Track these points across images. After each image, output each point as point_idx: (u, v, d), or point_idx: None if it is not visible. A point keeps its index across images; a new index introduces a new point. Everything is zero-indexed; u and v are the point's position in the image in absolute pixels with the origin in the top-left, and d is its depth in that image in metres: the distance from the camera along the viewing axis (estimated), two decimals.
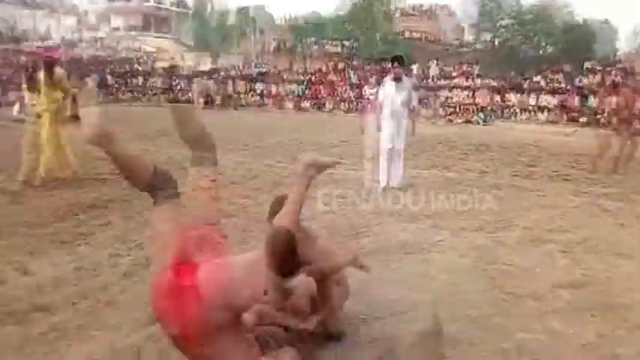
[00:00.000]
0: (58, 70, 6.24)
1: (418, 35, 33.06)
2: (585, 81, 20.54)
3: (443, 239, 4.50)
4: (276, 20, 38.72)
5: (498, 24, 31.67)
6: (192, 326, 1.84)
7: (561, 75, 21.49)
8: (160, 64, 31.01)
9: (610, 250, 4.23)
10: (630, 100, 8.18)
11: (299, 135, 12.84)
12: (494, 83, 22.61)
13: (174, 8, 40.75)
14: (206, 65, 31.21)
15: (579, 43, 28.07)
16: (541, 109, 20.67)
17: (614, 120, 8.30)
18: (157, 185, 2.05)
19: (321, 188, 6.49)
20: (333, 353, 2.53)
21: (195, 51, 36.11)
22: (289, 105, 26.18)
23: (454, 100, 22.88)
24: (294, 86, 27.47)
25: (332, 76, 27.82)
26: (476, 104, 21.66)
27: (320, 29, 32.58)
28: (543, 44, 31.08)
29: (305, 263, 2.12)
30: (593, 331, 2.83)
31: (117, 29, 38.38)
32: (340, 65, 28.88)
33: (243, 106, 26.13)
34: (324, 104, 25.70)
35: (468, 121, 20.12)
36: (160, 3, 39.65)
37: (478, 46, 31.53)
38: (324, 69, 28.77)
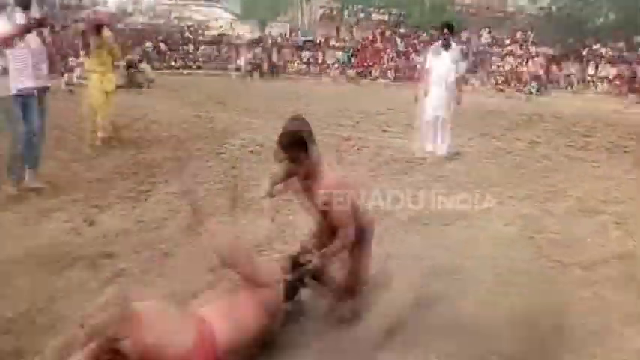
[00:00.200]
0: (106, 33, 6.40)
1: (469, 1, 31.74)
2: None
3: (489, 207, 4.47)
4: None
5: None
6: None
7: (623, 44, 20.23)
8: (209, 33, 31.35)
9: None
10: None
11: (345, 103, 12.82)
12: (550, 51, 21.60)
13: None
14: (254, 34, 31.27)
15: None
16: (600, 79, 19.64)
17: None
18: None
19: (367, 155, 6.55)
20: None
21: (244, 20, 36.17)
22: (335, 73, 25.99)
23: (506, 69, 22.07)
24: (340, 54, 27.22)
25: (379, 44, 27.34)
26: (529, 73, 20.80)
27: None
28: (605, 10, 29.17)
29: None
30: None
31: None
32: (387, 33, 28.29)
33: (289, 74, 26.17)
34: (370, 72, 25.36)
35: (520, 91, 19.40)
36: None
37: (533, 12, 29.94)
38: (370, 37, 28.29)
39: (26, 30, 4.13)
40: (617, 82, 18.88)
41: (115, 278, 2.84)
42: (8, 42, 4.09)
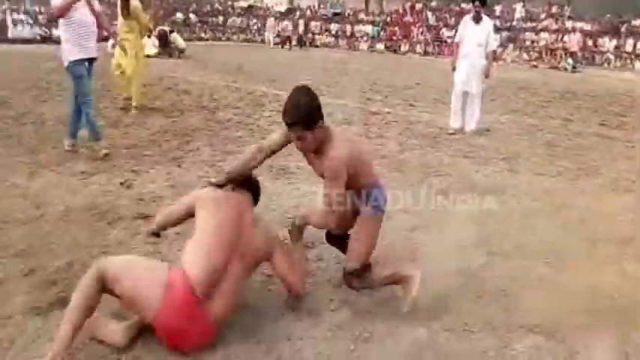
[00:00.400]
0: (134, 2, 6.45)
1: None
2: None
3: (518, 183, 4.46)
4: None
5: None
6: None
7: None
8: (238, 4, 31.18)
9: None
10: None
11: (372, 76, 12.70)
12: (587, 27, 20.82)
13: None
14: (282, 5, 30.96)
15: None
16: (638, 57, 18.91)
17: None
18: None
19: (395, 128, 6.54)
20: None
21: None
22: (363, 46, 25.65)
23: (540, 45, 21.40)
24: (368, 27, 26.79)
25: (408, 18, 26.77)
26: (565, 49, 20.13)
27: None
28: None
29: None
30: None
31: None
32: (418, 6, 27.63)
33: (317, 46, 25.93)
34: (400, 47, 24.92)
35: (554, 67, 18.83)
36: None
37: None
38: (400, 10, 27.70)
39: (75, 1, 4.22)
40: None
41: (149, 238, 2.97)
42: (62, 12, 4.21)
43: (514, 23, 23.47)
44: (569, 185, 4.43)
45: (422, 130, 6.48)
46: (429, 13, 26.51)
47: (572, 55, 19.45)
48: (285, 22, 27.14)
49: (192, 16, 27.95)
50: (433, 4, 27.73)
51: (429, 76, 12.95)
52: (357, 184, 2.29)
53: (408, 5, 27.91)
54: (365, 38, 26.20)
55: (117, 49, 6.65)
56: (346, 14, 28.74)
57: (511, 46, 21.61)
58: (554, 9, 23.43)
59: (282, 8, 30.55)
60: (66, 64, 4.36)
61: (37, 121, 5.89)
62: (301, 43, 24.42)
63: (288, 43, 23.82)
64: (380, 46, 25.45)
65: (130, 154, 4.66)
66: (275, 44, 24.64)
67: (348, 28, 27.21)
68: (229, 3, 31.47)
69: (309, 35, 26.79)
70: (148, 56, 13.42)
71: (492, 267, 2.83)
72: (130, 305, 1.93)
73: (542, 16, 23.36)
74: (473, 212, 3.67)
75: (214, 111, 7.09)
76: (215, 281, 1.97)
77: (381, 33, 26.44)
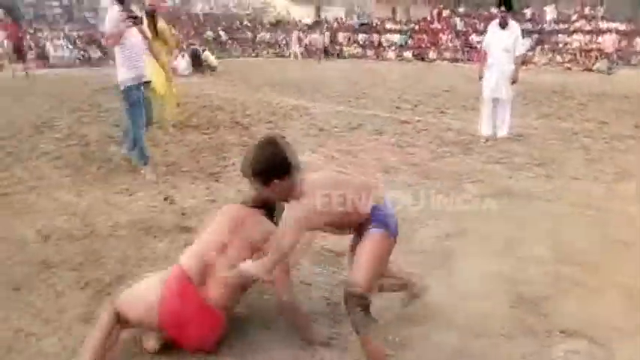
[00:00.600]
0: (160, 24, 6.56)
1: None
2: None
3: (553, 188, 4.44)
4: None
5: None
6: None
7: None
8: (266, 19, 31.78)
9: None
10: None
11: (401, 85, 12.74)
12: (621, 27, 20.28)
13: None
14: (310, 18, 31.38)
15: None
16: None
17: None
18: None
19: (426, 136, 6.58)
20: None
21: (300, 4, 36.31)
22: (391, 55, 25.67)
23: (573, 46, 20.96)
24: (396, 36, 26.81)
25: (436, 25, 26.68)
26: (599, 50, 19.66)
27: None
28: None
29: None
30: None
31: None
32: (445, 13, 27.53)
33: (345, 57, 26.12)
34: (428, 54, 24.84)
35: (588, 69, 18.40)
36: None
37: None
38: (428, 17, 27.65)
39: (127, 27, 4.39)
40: None
41: None
42: (115, 41, 4.42)
43: (545, 26, 23.08)
44: (606, 189, 4.37)
45: (453, 138, 6.49)
46: (457, 19, 26.38)
47: (607, 56, 18.97)
48: (313, 35, 27.46)
49: (222, 33, 28.64)
50: (461, 10, 27.58)
51: (458, 83, 12.89)
52: (348, 224, 2.15)
53: (435, 12, 27.85)
54: (393, 47, 26.24)
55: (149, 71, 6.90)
56: (373, 24, 28.88)
57: (541, 49, 21.24)
58: (586, 10, 22.95)
59: (310, 21, 30.97)
60: (122, 87, 4.54)
61: (82, 142, 6.19)
62: (329, 54, 24.64)
63: (316, 55, 24.10)
64: (408, 54, 25.43)
65: (170, 171, 4.87)
66: (303, 56, 24.96)
67: (376, 37, 27.31)
68: (258, 19, 32.12)
69: (337, 47, 27.03)
70: (183, 76, 13.89)
71: (528, 272, 2.85)
72: (141, 323, 2.07)
73: (575, 17, 22.91)
74: (507, 218, 3.68)
75: (248, 126, 7.28)
76: (209, 268, 2.10)
77: (409, 41, 26.43)
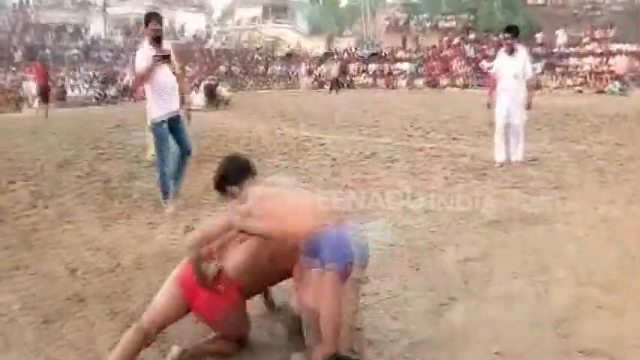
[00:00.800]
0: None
1: (543, 1, 30.60)
2: None
3: (570, 211, 4.45)
4: None
5: None
6: None
7: None
8: (278, 52, 32.51)
9: None
10: None
11: (413, 113, 12.89)
12: (632, 48, 20.37)
13: None
14: (321, 50, 32.03)
15: None
16: None
17: None
18: None
19: (439, 163, 6.64)
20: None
21: (311, 37, 37.17)
22: (402, 84, 25.99)
23: (585, 69, 21.06)
24: (406, 65, 27.20)
25: (446, 53, 27.03)
26: (610, 72, 19.71)
27: (434, 4, 31.59)
28: None
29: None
30: None
31: (239, 22, 40.86)
32: (455, 40, 27.92)
33: (356, 88, 26.49)
34: (438, 82, 25.11)
35: (600, 91, 18.43)
36: None
37: (614, 7, 28.33)
38: (437, 45, 28.04)
39: (157, 64, 4.56)
40: None
41: None
42: (145, 80, 4.62)
43: (556, 50, 23.27)
44: (623, 211, 4.37)
45: (467, 164, 6.54)
46: (467, 46, 26.72)
47: (618, 77, 19.01)
48: (324, 66, 27.97)
49: (234, 68, 29.35)
50: (471, 36, 27.94)
51: (470, 109, 13.00)
52: (290, 242, 2.17)
53: (445, 40, 28.26)
54: (403, 76, 26.58)
55: None
56: (383, 54, 29.35)
57: (552, 73, 21.35)
58: (597, 33, 23.14)
59: (320, 52, 31.61)
60: (149, 122, 4.72)
61: (103, 179, 6.34)
62: (340, 85, 25.02)
63: (329, 86, 24.48)
64: (419, 82, 25.73)
65: (190, 203, 4.99)
66: (314, 87, 25.39)
67: (386, 67, 27.71)
68: (269, 52, 32.87)
69: (348, 77, 27.44)
70: (196, 110, 14.19)
71: (547, 294, 2.86)
72: (170, 311, 2.25)
73: (586, 40, 23.09)
74: (525, 242, 3.71)
75: (262, 157, 7.42)
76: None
77: (420, 69, 26.77)
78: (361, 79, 27.70)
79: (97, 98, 21.38)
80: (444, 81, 25.03)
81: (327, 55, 30.28)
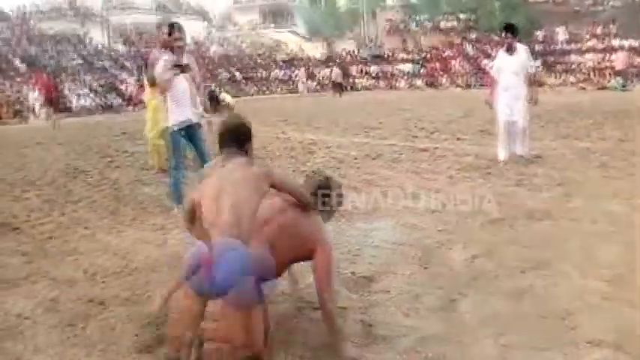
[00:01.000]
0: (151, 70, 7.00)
1: None
2: None
3: (574, 207, 4.52)
4: (387, 0, 38.42)
5: None
6: None
7: None
8: (279, 57, 32.64)
9: None
10: None
11: (416, 114, 12.97)
12: (635, 43, 20.39)
13: (290, 1, 42.47)
14: (322, 53, 32.16)
15: None
16: None
17: None
18: None
19: (444, 163, 6.72)
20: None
21: (311, 41, 37.32)
22: (403, 85, 26.08)
23: (587, 66, 21.08)
24: (407, 66, 27.29)
25: (447, 52, 27.11)
26: (612, 68, 19.73)
27: (433, 4, 31.67)
28: None
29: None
30: None
31: (239, 27, 41.06)
32: (456, 40, 28.01)
33: (358, 90, 26.59)
34: (439, 81, 25.19)
35: (603, 87, 18.46)
36: None
37: (615, 3, 28.32)
38: (439, 46, 28.13)
39: (174, 75, 4.68)
40: None
41: None
42: (166, 88, 4.74)
43: (558, 47, 23.31)
44: (626, 205, 4.43)
45: (472, 163, 6.61)
46: (468, 46, 26.80)
47: (620, 73, 19.04)
48: (325, 70, 28.09)
49: (236, 73, 29.51)
50: (472, 36, 28.01)
51: (472, 108, 13.06)
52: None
53: (446, 40, 28.35)
54: (404, 76, 26.68)
55: (150, 115, 7.15)
56: (385, 55, 29.47)
57: (553, 70, 21.39)
58: (599, 29, 23.16)
59: (322, 56, 31.75)
60: (168, 130, 4.81)
61: (114, 186, 6.46)
62: (343, 88, 25.12)
63: (331, 89, 24.60)
64: (419, 82, 25.82)
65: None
66: (316, 91, 25.51)
67: (388, 68, 27.82)
68: (271, 57, 33.01)
69: (350, 80, 27.54)
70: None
71: (554, 288, 2.93)
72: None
73: (587, 36, 23.12)
74: (531, 238, 3.78)
75: (269, 162, 7.52)
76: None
77: (421, 70, 26.87)
78: (363, 81, 27.82)
79: (101, 107, 21.57)
80: (444, 81, 25.11)
81: (329, 59, 30.40)
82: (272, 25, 40.01)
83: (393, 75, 27.38)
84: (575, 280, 3.02)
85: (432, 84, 25.29)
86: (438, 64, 26.50)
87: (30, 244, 4.23)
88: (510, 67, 6.36)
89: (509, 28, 6.50)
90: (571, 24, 25.14)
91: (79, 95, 21.96)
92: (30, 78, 20.97)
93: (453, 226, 4.14)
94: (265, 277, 2.24)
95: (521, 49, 6.47)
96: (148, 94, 7.27)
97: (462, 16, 30.33)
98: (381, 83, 27.06)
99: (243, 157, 2.37)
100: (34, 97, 19.09)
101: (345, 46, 33.75)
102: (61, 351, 2.51)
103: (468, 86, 23.64)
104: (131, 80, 23.31)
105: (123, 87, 23.16)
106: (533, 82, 6.70)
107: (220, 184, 2.24)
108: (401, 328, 2.57)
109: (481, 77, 23.42)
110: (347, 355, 2.32)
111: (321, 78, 28.26)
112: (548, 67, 21.83)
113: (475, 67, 24.73)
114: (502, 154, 6.50)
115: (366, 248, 3.73)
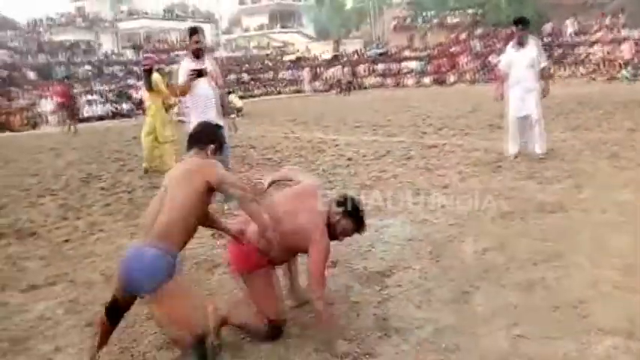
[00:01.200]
0: (154, 75, 7.16)
1: None
2: None
3: (585, 198, 4.52)
4: None
5: None
6: None
7: None
8: (286, 58, 32.72)
9: None
10: None
11: (424, 110, 12.96)
12: None
13: (297, 2, 42.59)
14: (329, 53, 32.18)
15: None
16: None
17: None
18: None
19: (453, 158, 6.72)
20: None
21: (319, 40, 37.38)
22: (410, 82, 26.03)
23: (596, 57, 20.89)
24: (414, 63, 27.23)
25: (454, 49, 26.99)
26: (622, 58, 19.54)
27: (440, 0, 31.51)
28: None
29: None
30: None
31: (247, 29, 41.26)
32: (462, 36, 27.86)
33: (366, 88, 26.60)
34: (447, 78, 25.10)
35: (613, 78, 18.28)
36: None
37: None
38: (445, 42, 28.01)
39: (192, 80, 4.80)
40: None
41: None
42: (185, 92, 4.84)
43: (567, 39, 23.12)
44: (637, 195, 4.42)
45: (481, 157, 6.61)
46: (475, 41, 26.65)
47: (628, 63, 18.86)
48: (333, 69, 28.12)
49: (244, 75, 29.64)
50: (479, 31, 27.82)
51: (480, 103, 13.03)
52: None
53: (452, 36, 28.21)
54: (411, 74, 26.62)
55: (148, 119, 7.38)
56: (391, 53, 29.42)
57: (561, 62, 21.23)
58: (607, 20, 22.92)
59: (329, 55, 31.78)
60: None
61: (127, 190, 6.54)
62: (350, 87, 25.12)
63: (338, 89, 24.64)
64: (426, 79, 25.75)
65: (212, 209, 5.13)
66: (325, 90, 25.54)
67: (394, 66, 27.78)
68: (278, 58, 33.10)
69: (358, 79, 27.55)
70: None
71: (567, 278, 2.95)
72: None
73: (596, 27, 22.90)
74: (542, 229, 3.79)
75: (279, 161, 7.58)
76: None
77: (428, 67, 26.79)
78: (370, 79, 27.81)
79: (112, 113, 21.79)
80: (452, 77, 25.01)
81: (336, 58, 30.42)
82: (279, 27, 40.12)
83: (400, 72, 27.34)
84: (586, 270, 3.04)
85: (439, 80, 25.21)
86: (444, 61, 26.41)
87: (47, 248, 4.32)
88: (522, 61, 6.17)
89: (521, 22, 6.34)
90: (580, 15, 24.89)
91: (89, 102, 22.17)
92: (42, 87, 21.25)
93: (463, 220, 4.16)
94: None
95: (532, 41, 6.32)
96: (147, 99, 7.50)
97: (468, 11, 30.13)
98: (388, 81, 27.02)
99: (198, 155, 2.47)
100: (48, 105, 19.35)
101: (352, 44, 33.74)
102: (83, 350, 2.57)
103: (475, 82, 23.52)
104: (140, 85, 23.48)
105: (132, 92, 23.35)
106: (547, 76, 6.61)
107: (166, 181, 2.39)
108: (415, 321, 2.61)
109: (487, 73, 23.30)
110: (337, 351, 2.38)
111: (327, 77, 28.30)
112: (558, 59, 21.65)
113: (482, 62, 24.60)
114: (512, 149, 6.42)
115: (378, 244, 3.77)
